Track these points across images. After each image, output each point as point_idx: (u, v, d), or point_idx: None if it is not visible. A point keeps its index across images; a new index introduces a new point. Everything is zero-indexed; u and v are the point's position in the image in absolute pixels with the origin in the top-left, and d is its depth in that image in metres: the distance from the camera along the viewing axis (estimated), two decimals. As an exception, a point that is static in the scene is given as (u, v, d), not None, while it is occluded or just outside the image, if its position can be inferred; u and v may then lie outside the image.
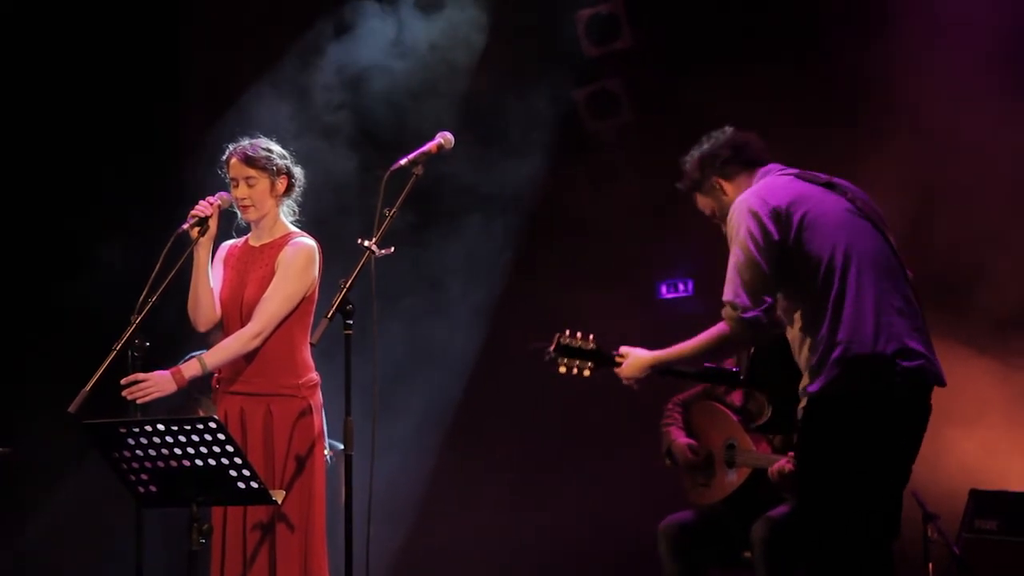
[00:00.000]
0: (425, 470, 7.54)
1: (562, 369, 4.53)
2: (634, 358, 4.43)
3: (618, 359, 4.47)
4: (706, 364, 4.64)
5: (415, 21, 7.28)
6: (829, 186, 4.23)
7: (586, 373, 4.52)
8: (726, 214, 4.30)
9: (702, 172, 4.39)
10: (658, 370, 4.40)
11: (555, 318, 7.12)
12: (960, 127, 6.18)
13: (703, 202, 4.44)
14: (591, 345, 4.52)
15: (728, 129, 4.44)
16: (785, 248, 4.08)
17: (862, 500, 4.01)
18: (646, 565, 5.80)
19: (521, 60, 7.26)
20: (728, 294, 4.11)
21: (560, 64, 7.35)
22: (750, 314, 4.07)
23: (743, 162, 4.35)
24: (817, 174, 4.28)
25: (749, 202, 4.14)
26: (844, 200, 4.19)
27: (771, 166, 4.34)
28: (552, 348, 4.52)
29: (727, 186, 4.36)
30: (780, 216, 4.09)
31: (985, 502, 5.61)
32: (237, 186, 4.82)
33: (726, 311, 4.13)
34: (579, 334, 4.52)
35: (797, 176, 4.25)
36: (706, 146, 4.41)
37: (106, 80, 7.31)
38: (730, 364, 5.17)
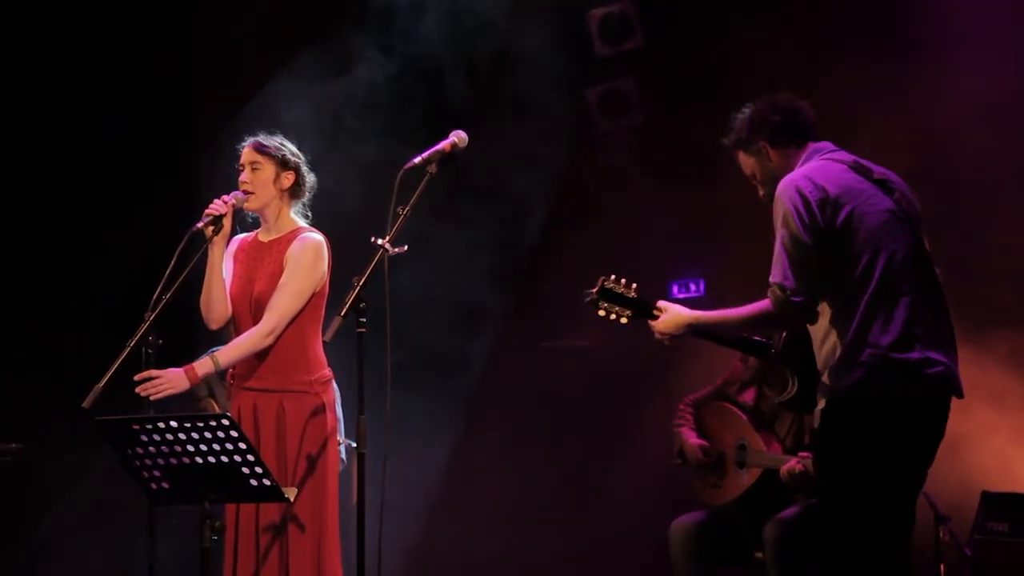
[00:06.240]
0: (439, 468, 7.53)
1: (600, 313, 4.43)
2: (674, 314, 4.35)
3: (656, 312, 4.40)
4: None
5: (427, 22, 7.28)
6: (879, 183, 4.15)
7: (624, 320, 4.42)
8: (767, 178, 4.24)
9: (750, 133, 4.29)
10: (695, 330, 4.32)
11: (565, 316, 7.15)
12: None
13: (745, 161, 4.34)
14: (633, 293, 4.42)
15: (784, 93, 4.33)
16: (826, 237, 4.01)
17: (879, 502, 3.99)
18: (658, 565, 5.79)
19: (535, 59, 7.25)
20: (776, 275, 4.03)
21: (573, 63, 7.34)
22: (798, 298, 4.00)
23: (793, 132, 4.25)
24: (871, 167, 4.20)
25: (798, 183, 4.06)
26: (890, 201, 4.12)
27: (822, 144, 4.26)
28: (595, 290, 4.42)
29: (773, 153, 4.26)
30: (827, 204, 4.02)
31: (997, 504, 5.60)
32: (243, 172, 4.83)
33: (773, 291, 4.04)
34: (623, 280, 4.43)
35: (850, 166, 4.16)
36: (759, 106, 4.31)
37: (119, 74, 7.30)
38: None
